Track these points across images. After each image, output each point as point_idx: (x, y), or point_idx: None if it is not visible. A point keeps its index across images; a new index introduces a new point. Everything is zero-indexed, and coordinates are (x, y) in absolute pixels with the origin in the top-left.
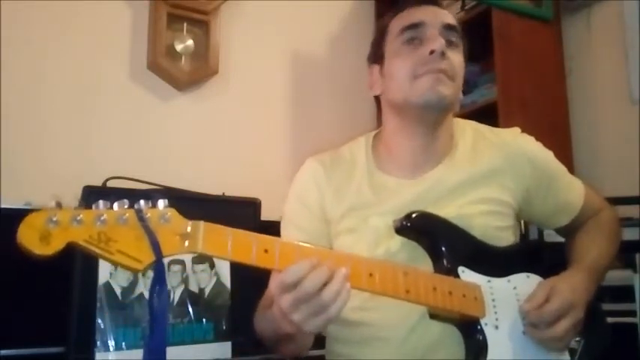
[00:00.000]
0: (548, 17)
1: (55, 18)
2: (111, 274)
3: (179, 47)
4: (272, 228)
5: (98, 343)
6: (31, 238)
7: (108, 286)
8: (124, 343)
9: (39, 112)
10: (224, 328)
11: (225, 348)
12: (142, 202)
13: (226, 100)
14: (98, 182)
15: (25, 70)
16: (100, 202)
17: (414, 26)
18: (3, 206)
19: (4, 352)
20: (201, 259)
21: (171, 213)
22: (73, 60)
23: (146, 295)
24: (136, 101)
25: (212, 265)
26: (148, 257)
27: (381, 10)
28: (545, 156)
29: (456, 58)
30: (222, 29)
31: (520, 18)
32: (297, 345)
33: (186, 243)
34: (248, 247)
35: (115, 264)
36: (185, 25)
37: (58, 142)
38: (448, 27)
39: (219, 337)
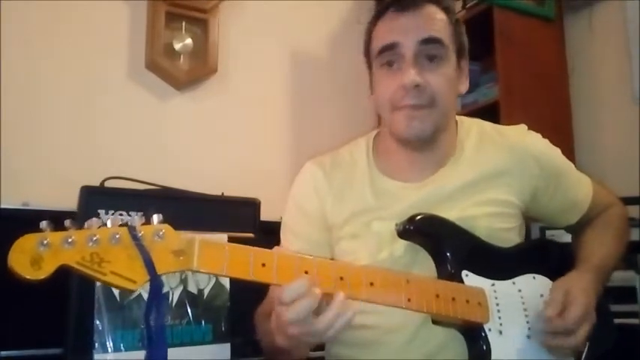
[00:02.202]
0: (550, 16)
1: (53, 17)
2: None
3: (177, 46)
4: (272, 228)
5: (96, 344)
6: (22, 263)
7: (106, 287)
8: (122, 345)
9: (37, 111)
10: (223, 329)
11: (224, 349)
12: (135, 218)
13: (225, 99)
14: (96, 182)
15: (24, 70)
16: (93, 219)
17: (389, 47)
18: (2, 206)
19: (2, 353)
20: None
21: (166, 229)
22: (71, 59)
23: (145, 297)
24: (135, 101)
25: None
26: (142, 277)
27: None
28: (552, 154)
29: (436, 77)
30: (221, 28)
31: (522, 17)
32: (291, 357)
33: (182, 261)
34: (245, 261)
35: (109, 285)
36: (184, 23)
37: (56, 141)
38: (426, 41)
39: (218, 339)
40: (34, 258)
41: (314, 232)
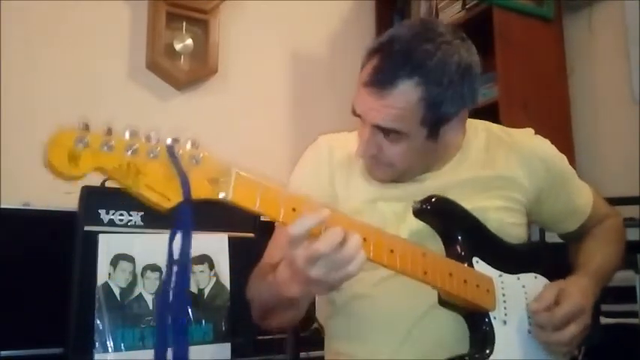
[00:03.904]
0: (549, 16)
1: (53, 17)
2: (109, 274)
3: (178, 46)
4: (272, 228)
5: (97, 344)
6: (59, 157)
7: (106, 286)
8: (122, 344)
9: (37, 111)
10: (223, 329)
11: (224, 349)
12: (169, 139)
13: (226, 99)
14: (97, 182)
15: (24, 70)
16: (127, 131)
17: (357, 115)
18: (2, 206)
19: (3, 353)
20: (200, 259)
21: (204, 155)
22: (71, 59)
23: (145, 296)
24: (135, 101)
25: (211, 266)
26: (177, 196)
27: (381, 10)
28: (558, 159)
29: (393, 149)
30: (221, 28)
31: (521, 17)
32: (294, 311)
33: (216, 190)
34: (276, 204)
35: (142, 199)
36: (184, 24)
37: None
38: (381, 128)
39: (218, 339)
40: (71, 154)
41: (322, 193)
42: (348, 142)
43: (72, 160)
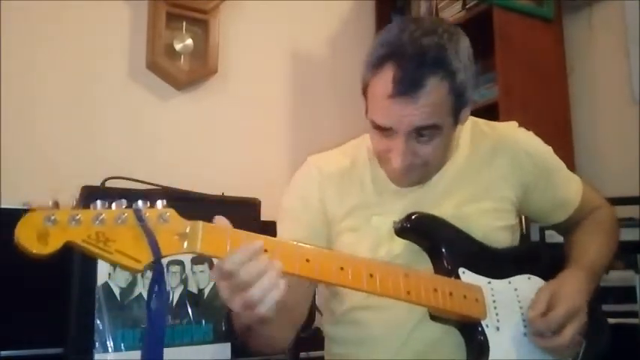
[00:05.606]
0: (549, 16)
1: (53, 17)
2: (109, 274)
3: (178, 46)
4: (272, 228)
5: (97, 344)
6: (28, 238)
7: (107, 287)
8: (122, 344)
9: (37, 111)
10: (223, 329)
11: (224, 349)
12: (139, 202)
13: (226, 99)
14: (97, 182)
15: (24, 70)
16: (98, 202)
17: (383, 129)
18: (2, 206)
19: (3, 353)
20: (200, 259)
21: (170, 213)
22: (71, 59)
23: (145, 295)
24: (135, 101)
25: (211, 266)
26: (147, 257)
27: (381, 10)
28: (544, 151)
29: (427, 148)
30: (221, 28)
31: (521, 17)
32: (262, 338)
33: (185, 243)
34: None
35: (114, 264)
36: (184, 24)
37: (56, 142)
38: (420, 128)
39: (218, 338)
40: (40, 233)
41: (312, 220)
42: (337, 159)
43: (41, 238)
